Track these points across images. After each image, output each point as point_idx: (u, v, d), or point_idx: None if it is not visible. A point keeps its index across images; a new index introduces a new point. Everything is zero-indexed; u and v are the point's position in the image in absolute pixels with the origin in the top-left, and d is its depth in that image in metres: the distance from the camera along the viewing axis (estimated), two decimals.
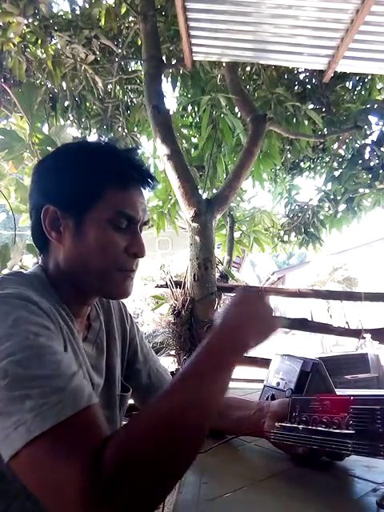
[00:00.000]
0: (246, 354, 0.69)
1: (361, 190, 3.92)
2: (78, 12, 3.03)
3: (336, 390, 0.94)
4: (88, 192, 0.67)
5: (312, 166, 4.60)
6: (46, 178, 0.71)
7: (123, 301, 0.89)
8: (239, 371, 0.81)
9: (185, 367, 0.57)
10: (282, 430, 0.68)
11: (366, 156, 3.73)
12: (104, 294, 0.74)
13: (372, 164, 3.68)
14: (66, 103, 3.46)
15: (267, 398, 0.97)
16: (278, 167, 4.29)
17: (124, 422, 0.78)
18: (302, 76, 3.83)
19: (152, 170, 3.69)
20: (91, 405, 0.51)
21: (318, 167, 4.56)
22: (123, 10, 3.15)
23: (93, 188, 0.67)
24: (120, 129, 3.58)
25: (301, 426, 0.64)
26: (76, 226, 0.68)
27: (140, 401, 0.88)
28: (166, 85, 4.40)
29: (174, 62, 3.37)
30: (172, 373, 0.93)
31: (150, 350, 0.93)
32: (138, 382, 0.86)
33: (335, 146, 4.17)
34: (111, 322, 0.84)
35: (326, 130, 3.78)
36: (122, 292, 0.72)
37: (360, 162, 3.76)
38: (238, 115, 3.31)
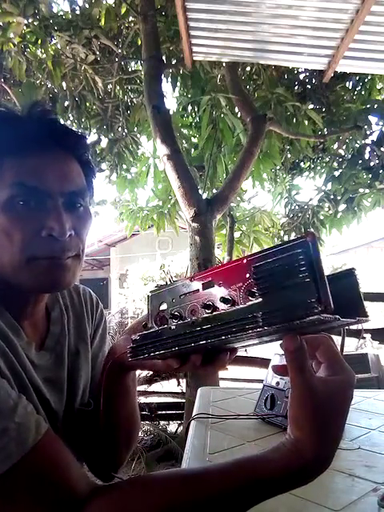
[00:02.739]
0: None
1: (361, 190, 3.92)
2: (78, 12, 3.04)
3: None
4: None
5: (312, 165, 4.59)
6: None
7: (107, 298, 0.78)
8: (239, 371, 0.81)
9: (233, 464, 0.45)
10: (141, 342, 0.46)
11: (366, 156, 3.74)
12: (28, 289, 0.59)
13: (372, 164, 3.69)
14: (66, 103, 3.46)
15: (267, 398, 0.96)
16: (278, 167, 4.28)
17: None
18: (302, 76, 3.83)
19: (152, 169, 3.69)
20: (41, 438, 0.47)
21: (318, 167, 4.56)
22: (123, 10, 3.16)
23: None
24: (120, 129, 3.59)
25: (173, 325, 0.44)
26: None
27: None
28: (166, 85, 4.39)
29: (174, 62, 3.37)
30: None
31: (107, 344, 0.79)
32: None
33: (335, 146, 4.17)
34: (83, 320, 0.73)
35: (326, 130, 3.78)
36: (47, 284, 0.57)
37: (360, 161, 3.77)
38: (238, 115, 3.31)
